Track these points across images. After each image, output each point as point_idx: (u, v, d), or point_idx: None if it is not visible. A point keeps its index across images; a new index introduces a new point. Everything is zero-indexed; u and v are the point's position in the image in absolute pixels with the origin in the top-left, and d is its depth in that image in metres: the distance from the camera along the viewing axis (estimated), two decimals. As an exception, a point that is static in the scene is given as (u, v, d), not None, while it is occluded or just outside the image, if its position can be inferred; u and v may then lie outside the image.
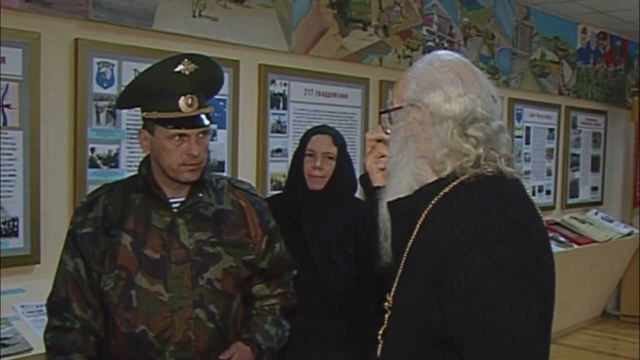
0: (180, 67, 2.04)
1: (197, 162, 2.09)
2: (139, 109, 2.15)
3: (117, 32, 3.32)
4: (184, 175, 2.09)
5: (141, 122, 2.13)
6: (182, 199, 2.14)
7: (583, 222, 6.81)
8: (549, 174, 6.72)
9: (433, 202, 1.51)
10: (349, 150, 2.85)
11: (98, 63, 3.23)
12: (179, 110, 2.04)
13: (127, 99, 2.17)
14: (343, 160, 2.74)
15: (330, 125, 2.99)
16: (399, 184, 1.58)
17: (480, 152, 1.50)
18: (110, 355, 2.11)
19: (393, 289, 1.60)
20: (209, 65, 2.13)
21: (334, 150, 2.73)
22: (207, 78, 2.12)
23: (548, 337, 1.45)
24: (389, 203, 1.61)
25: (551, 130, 6.72)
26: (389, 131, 1.64)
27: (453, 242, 1.40)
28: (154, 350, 2.06)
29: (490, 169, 1.50)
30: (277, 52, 4.08)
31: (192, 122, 2.06)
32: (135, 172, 2.24)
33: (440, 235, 1.44)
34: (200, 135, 2.09)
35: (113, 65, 3.28)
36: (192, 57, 2.07)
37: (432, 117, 1.53)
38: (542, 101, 6.54)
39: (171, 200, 2.14)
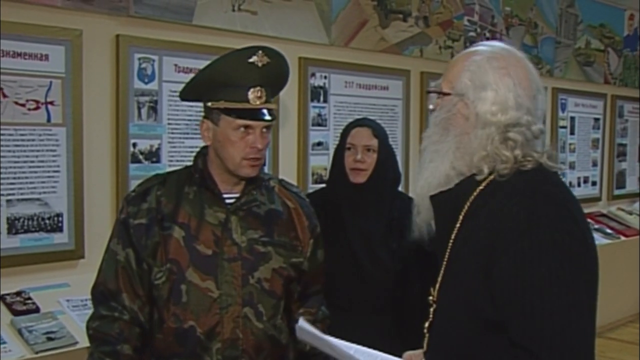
0: (254, 59, 2.03)
1: (260, 156, 2.07)
2: (189, 103, 2.09)
3: (157, 28, 3.33)
4: (245, 170, 2.07)
5: (186, 117, 2.11)
6: (236, 195, 2.12)
7: (630, 213, 6.71)
8: (594, 164, 6.61)
9: (475, 193, 1.54)
10: (390, 142, 2.80)
11: (139, 59, 3.25)
12: (247, 101, 2.03)
13: (194, 88, 2.13)
14: (385, 153, 2.70)
15: (372, 117, 2.95)
16: (436, 170, 1.60)
17: (517, 153, 1.52)
18: (155, 350, 2.09)
19: (438, 282, 1.62)
20: (280, 60, 2.12)
21: (374, 142, 2.69)
22: (277, 73, 2.11)
23: (595, 320, 1.47)
24: (432, 197, 1.61)
25: (597, 120, 6.61)
26: (431, 107, 1.65)
27: (501, 228, 1.44)
28: (201, 346, 2.04)
29: (529, 165, 1.52)
30: (317, 44, 4.07)
31: (259, 114, 2.04)
32: (178, 167, 2.23)
33: (486, 223, 1.47)
34: (264, 130, 2.07)
35: (154, 60, 3.30)
36: (266, 50, 2.06)
37: (477, 119, 1.54)
38: (587, 90, 6.44)
39: (225, 196, 2.12)
